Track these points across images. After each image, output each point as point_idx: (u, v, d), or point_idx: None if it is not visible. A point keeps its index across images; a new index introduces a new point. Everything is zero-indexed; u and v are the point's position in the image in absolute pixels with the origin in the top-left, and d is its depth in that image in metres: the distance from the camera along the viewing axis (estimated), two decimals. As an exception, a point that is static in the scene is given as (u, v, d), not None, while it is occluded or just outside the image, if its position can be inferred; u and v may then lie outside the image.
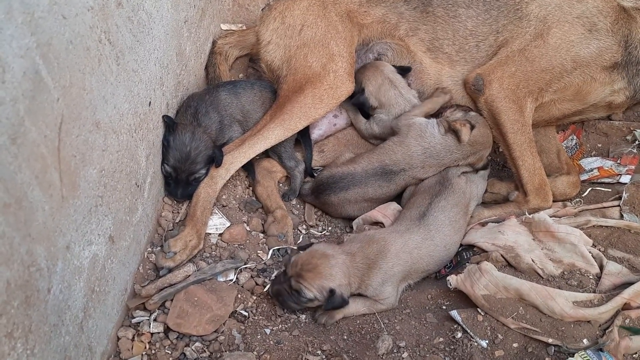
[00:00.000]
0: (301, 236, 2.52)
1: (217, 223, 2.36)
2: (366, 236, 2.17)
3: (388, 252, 2.09)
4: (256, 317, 2.09)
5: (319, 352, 1.97)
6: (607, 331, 1.87)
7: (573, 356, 1.80)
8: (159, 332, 1.99)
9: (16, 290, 1.33)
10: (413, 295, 2.21)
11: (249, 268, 2.26)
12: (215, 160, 2.35)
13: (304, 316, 2.13)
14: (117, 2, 1.75)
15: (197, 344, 1.97)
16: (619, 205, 2.38)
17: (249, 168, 2.56)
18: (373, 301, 2.10)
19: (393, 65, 2.66)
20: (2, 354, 1.29)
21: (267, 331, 2.04)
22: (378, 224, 2.45)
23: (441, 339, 1.99)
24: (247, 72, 3.07)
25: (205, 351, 1.96)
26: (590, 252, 2.10)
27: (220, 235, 2.34)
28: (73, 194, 1.57)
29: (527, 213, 2.35)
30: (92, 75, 1.61)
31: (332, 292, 1.97)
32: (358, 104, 2.65)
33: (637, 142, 2.70)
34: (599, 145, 2.79)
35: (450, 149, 2.45)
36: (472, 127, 2.44)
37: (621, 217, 2.34)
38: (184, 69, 2.50)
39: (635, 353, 1.85)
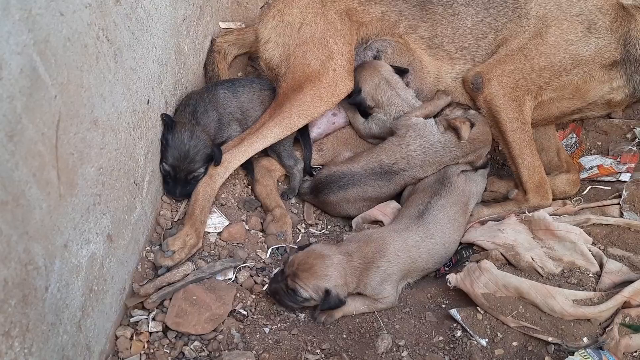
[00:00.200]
0: (300, 235, 2.52)
1: (216, 222, 2.35)
2: (364, 235, 2.17)
3: (387, 251, 2.08)
4: (255, 316, 2.09)
5: (318, 351, 1.96)
6: (607, 329, 1.86)
7: (573, 355, 1.80)
8: (157, 331, 1.98)
9: (13, 288, 1.32)
10: (412, 294, 2.20)
11: (248, 267, 2.25)
12: (214, 158, 2.34)
13: (303, 315, 2.12)
14: (115, -1, 1.74)
15: (195, 343, 1.96)
16: (618, 204, 2.38)
17: (248, 167, 2.55)
18: (372, 300, 2.09)
19: (391, 65, 2.65)
20: (0, 353, 1.28)
21: (266, 330, 2.03)
22: (377, 222, 2.44)
23: (441, 338, 1.98)
24: (246, 70, 3.06)
25: (204, 350, 1.95)
26: (590, 250, 2.10)
27: (219, 234, 2.34)
28: (71, 192, 1.56)
29: (526, 211, 2.34)
30: (89, 73, 1.61)
31: (327, 292, 1.97)
32: (355, 103, 2.64)
33: (637, 140, 2.70)
34: (599, 144, 2.78)
35: (449, 147, 2.45)
36: (472, 125, 2.44)
37: (621, 215, 2.34)
38: (182, 67, 2.49)
39: (636, 351, 1.85)
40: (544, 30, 2.45)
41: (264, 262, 2.30)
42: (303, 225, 2.58)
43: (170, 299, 2.04)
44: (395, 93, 2.61)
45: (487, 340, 1.93)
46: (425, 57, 2.67)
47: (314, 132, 2.73)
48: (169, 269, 2.10)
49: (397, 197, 2.55)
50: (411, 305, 2.15)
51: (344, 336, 2.04)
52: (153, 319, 2.01)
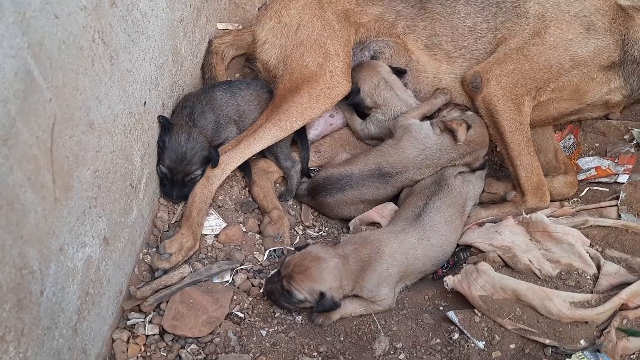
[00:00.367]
0: (298, 237, 2.51)
1: (213, 224, 2.35)
2: (361, 238, 2.16)
3: (383, 253, 2.08)
4: (252, 319, 2.08)
5: (315, 353, 1.96)
6: (604, 332, 1.86)
7: (570, 357, 1.80)
8: (154, 334, 1.98)
9: (8, 293, 1.31)
10: (410, 296, 2.20)
11: (245, 269, 2.25)
12: (211, 160, 2.34)
13: (300, 317, 2.12)
14: (111, 1, 1.73)
15: (192, 346, 1.96)
16: (616, 205, 2.37)
17: (245, 168, 2.55)
18: (370, 302, 2.09)
19: (389, 66, 2.64)
20: (-6, 358, 1.28)
21: (263, 333, 2.02)
22: (375, 224, 2.43)
23: (438, 340, 1.98)
24: (243, 71, 3.05)
25: (200, 353, 1.95)
26: (587, 252, 2.10)
27: (216, 236, 2.33)
28: (66, 195, 1.55)
29: (524, 213, 2.34)
30: (85, 76, 1.60)
31: (322, 295, 1.97)
32: (353, 104, 2.64)
33: (634, 142, 2.69)
34: (597, 145, 2.78)
35: (446, 149, 2.44)
36: (469, 127, 2.43)
37: (619, 217, 2.33)
38: (179, 68, 2.48)
39: (633, 354, 1.84)
40: (543, 30, 2.44)
41: (261, 264, 2.30)
42: (300, 227, 2.58)
43: (167, 302, 2.03)
44: (393, 93, 2.60)
45: (484, 342, 1.92)
46: (423, 57, 2.66)
47: (312, 134, 2.73)
48: (165, 272, 2.10)
49: (395, 199, 2.54)
50: (408, 307, 2.15)
51: (341, 339, 2.04)
52: (150, 321, 2.00)
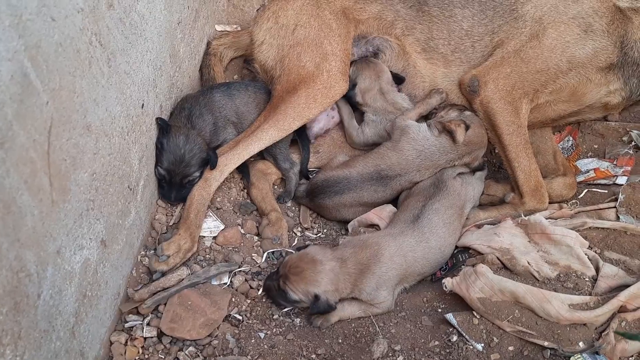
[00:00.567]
0: (296, 239, 2.51)
1: (211, 226, 2.34)
2: (359, 241, 2.16)
3: (382, 256, 2.08)
4: (250, 321, 2.08)
5: (314, 356, 1.95)
6: (603, 334, 1.86)
7: (569, 359, 1.79)
8: (152, 337, 1.97)
9: (5, 296, 1.31)
10: (408, 298, 2.19)
11: (244, 271, 2.24)
12: (209, 162, 2.33)
13: (298, 320, 2.12)
14: (108, 3, 1.73)
15: (190, 348, 1.95)
16: (615, 207, 2.37)
17: (243, 170, 2.54)
18: (368, 305, 2.08)
19: (390, 72, 2.65)
20: (-9, 362, 1.27)
21: (262, 335, 2.02)
22: (374, 226, 2.43)
23: (437, 343, 1.98)
24: (241, 73, 3.05)
25: (199, 355, 1.94)
26: (586, 254, 2.09)
27: (214, 238, 2.33)
28: (63, 198, 1.55)
29: (522, 215, 2.34)
30: (82, 78, 1.60)
31: (316, 297, 1.98)
32: (346, 96, 2.64)
33: (633, 143, 2.69)
34: (595, 147, 2.78)
35: (445, 150, 2.44)
36: (467, 127, 2.43)
37: (617, 218, 2.33)
38: (177, 70, 2.48)
39: (632, 356, 1.84)
40: (541, 33, 2.44)
41: (259, 266, 2.29)
42: (299, 228, 2.57)
43: (165, 304, 2.03)
44: (384, 100, 2.61)
45: (483, 344, 1.92)
46: (420, 62, 2.66)
47: (315, 128, 2.71)
48: (163, 274, 2.09)
49: (394, 200, 2.54)
50: (407, 309, 2.14)
51: (340, 341, 2.03)
52: (148, 324, 2.00)
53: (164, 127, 2.27)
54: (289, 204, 2.65)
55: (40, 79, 1.39)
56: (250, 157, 2.47)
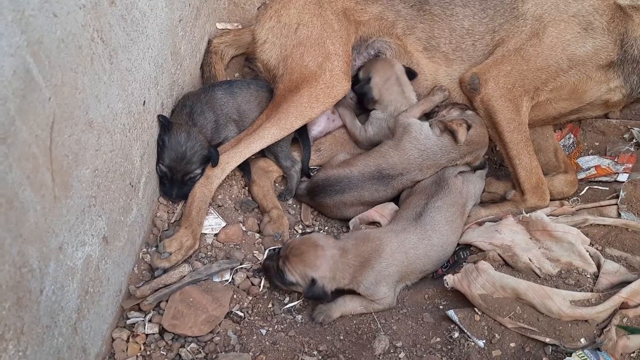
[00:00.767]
0: (297, 236, 2.51)
1: (212, 223, 2.35)
2: (362, 234, 2.17)
3: (383, 252, 2.08)
4: (252, 318, 2.08)
5: (315, 352, 1.96)
6: (604, 330, 1.86)
7: (570, 356, 1.79)
8: (154, 333, 1.98)
9: (7, 291, 1.31)
10: (410, 295, 2.20)
11: (245, 268, 2.24)
12: (211, 160, 2.34)
13: (300, 316, 2.12)
14: (110, 0, 1.73)
15: (192, 344, 1.96)
16: (616, 204, 2.37)
17: (244, 168, 2.55)
18: (369, 301, 2.09)
19: (403, 66, 2.65)
20: (-7, 356, 1.28)
21: (263, 332, 2.02)
22: (375, 223, 2.43)
23: (438, 339, 1.98)
24: (243, 71, 3.05)
25: (200, 352, 1.95)
26: (587, 250, 2.10)
27: (215, 235, 2.33)
28: (65, 194, 1.55)
29: (524, 212, 2.34)
30: (84, 74, 1.60)
31: (313, 281, 2.00)
32: (361, 92, 2.64)
33: (634, 141, 2.69)
34: (596, 144, 2.78)
35: (446, 149, 2.44)
36: (469, 127, 2.43)
37: (618, 215, 2.33)
38: (179, 68, 2.48)
39: (633, 352, 1.84)
40: (541, 31, 2.44)
41: (260, 263, 2.29)
42: (300, 226, 2.57)
43: (167, 301, 2.03)
44: (401, 90, 2.61)
45: (484, 341, 1.92)
46: (422, 60, 2.67)
47: (315, 130, 2.72)
48: (165, 271, 2.10)
49: (395, 199, 2.54)
50: (408, 306, 2.15)
51: (341, 337, 2.03)
52: (149, 320, 2.00)
53: (165, 124, 2.27)
54: (290, 202, 2.65)
55: (42, 75, 1.39)
56: (252, 155, 2.47)
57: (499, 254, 2.12)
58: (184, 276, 2.09)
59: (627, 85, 2.50)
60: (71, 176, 1.57)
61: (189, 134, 2.29)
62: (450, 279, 2.05)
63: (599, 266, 2.06)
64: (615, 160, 2.61)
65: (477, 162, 2.51)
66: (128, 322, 2.00)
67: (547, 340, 1.87)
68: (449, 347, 1.95)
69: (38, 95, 1.38)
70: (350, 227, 2.49)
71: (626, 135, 2.73)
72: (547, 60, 2.42)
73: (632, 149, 2.65)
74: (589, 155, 2.74)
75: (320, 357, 1.95)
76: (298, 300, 2.18)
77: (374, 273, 2.05)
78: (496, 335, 1.92)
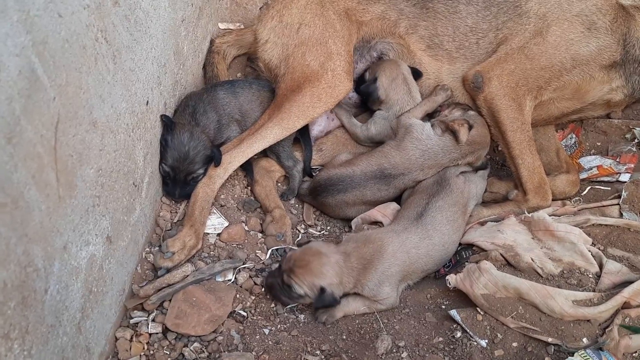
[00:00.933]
0: (300, 235, 2.52)
1: (215, 223, 2.35)
2: (363, 236, 2.17)
3: (385, 252, 2.09)
4: (255, 317, 2.08)
5: (318, 352, 1.96)
6: (607, 330, 1.87)
7: (573, 355, 1.80)
8: (157, 333, 1.98)
9: (13, 291, 1.32)
10: (412, 295, 2.20)
11: (248, 268, 2.25)
12: (214, 159, 2.34)
13: (302, 316, 2.12)
14: (113, 0, 1.73)
15: (195, 344, 1.96)
16: (618, 204, 2.38)
17: (247, 167, 2.55)
18: (372, 301, 2.09)
19: (408, 66, 2.66)
20: (-1, 356, 1.28)
21: (266, 331, 2.03)
22: (377, 223, 2.44)
23: (440, 339, 1.98)
24: (245, 71, 3.06)
25: (203, 351, 1.95)
26: (589, 250, 2.10)
27: (218, 235, 2.33)
28: (70, 193, 1.56)
29: (526, 212, 2.35)
30: (88, 74, 1.60)
31: (322, 290, 1.98)
32: (366, 92, 2.65)
33: (636, 141, 2.70)
34: (598, 144, 2.79)
35: (448, 149, 2.45)
36: (470, 127, 2.44)
37: (620, 215, 2.34)
38: (181, 68, 2.48)
39: (636, 352, 1.85)
40: (545, 30, 2.45)
41: (263, 263, 2.30)
42: (302, 226, 2.58)
43: (170, 300, 2.03)
44: (407, 90, 2.61)
45: (487, 341, 1.93)
46: (425, 58, 2.67)
47: (315, 130, 2.73)
48: (168, 270, 2.10)
49: (397, 199, 2.54)
50: (411, 306, 2.15)
51: (344, 337, 2.04)
52: (153, 320, 2.01)
53: (168, 124, 2.28)
54: (292, 202, 2.66)
55: (47, 75, 1.39)
56: (254, 155, 2.47)
57: (501, 254, 2.12)
58: (187, 276, 2.10)
59: (629, 85, 2.51)
60: (75, 176, 1.58)
61: (191, 134, 2.30)
62: (452, 279, 2.05)
63: (601, 266, 2.06)
64: (617, 160, 2.62)
65: (478, 162, 2.52)
66: (131, 321, 2.00)
67: (550, 340, 1.87)
68: (452, 346, 1.95)
69: (43, 95, 1.39)
70: (353, 227, 2.49)
71: (628, 135, 2.74)
72: (551, 60, 2.43)
73: (634, 149, 2.66)
74: (590, 155, 2.74)
75: (323, 357, 1.95)
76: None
77: (378, 274, 2.06)
78: (498, 335, 1.93)
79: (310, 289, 2.00)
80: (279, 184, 2.71)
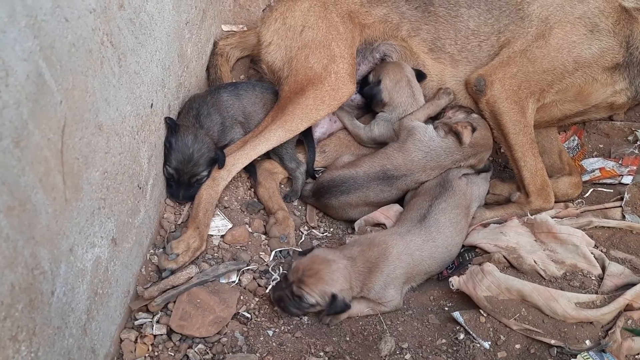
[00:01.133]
0: (303, 237, 2.52)
1: (219, 224, 2.36)
2: (367, 239, 2.17)
3: (389, 255, 2.09)
4: (259, 319, 2.09)
5: (322, 353, 1.97)
6: (609, 332, 1.87)
7: (575, 357, 1.81)
8: (161, 334, 1.99)
9: (20, 293, 1.33)
10: (415, 297, 2.21)
11: (251, 270, 2.26)
12: (217, 161, 2.35)
13: (306, 318, 2.13)
14: (119, 4, 1.74)
15: (200, 345, 1.97)
16: (620, 206, 2.38)
17: (250, 169, 2.56)
18: (377, 303, 2.10)
19: (412, 68, 2.67)
20: (7, 357, 1.29)
21: (270, 333, 2.04)
22: (380, 225, 2.45)
23: (444, 341, 1.99)
24: (248, 73, 3.07)
25: (208, 353, 1.96)
26: (592, 253, 2.11)
27: (222, 236, 2.34)
28: (76, 196, 1.57)
29: (529, 214, 2.35)
30: (94, 78, 1.61)
31: (334, 297, 1.97)
32: (370, 94, 2.66)
33: (638, 143, 2.70)
34: (601, 146, 2.79)
35: (450, 151, 2.46)
36: (474, 130, 2.44)
37: (623, 218, 2.34)
38: (185, 70, 2.50)
39: (638, 354, 1.85)
40: (547, 33, 2.45)
41: (267, 264, 2.31)
42: (305, 227, 2.59)
43: (174, 302, 2.04)
44: (411, 92, 2.62)
45: (490, 342, 1.93)
46: (428, 61, 2.68)
47: (318, 132, 2.74)
48: (172, 272, 2.11)
49: (400, 200, 2.55)
50: (414, 307, 2.16)
51: (347, 339, 2.05)
52: (157, 321, 2.02)
53: (172, 126, 2.29)
54: (295, 203, 2.66)
55: (54, 79, 1.40)
56: (257, 157, 2.48)
57: (504, 256, 2.13)
58: (191, 277, 2.11)
59: (632, 87, 2.51)
60: (81, 179, 1.59)
61: (196, 136, 2.31)
62: (455, 281, 2.06)
63: (603, 268, 2.07)
64: (620, 162, 2.63)
65: (481, 165, 2.53)
66: (136, 323, 2.01)
67: (552, 342, 1.88)
68: (455, 348, 1.96)
69: (50, 99, 1.39)
70: (356, 229, 2.50)
71: (630, 138, 2.75)
72: (553, 62, 2.43)
73: (636, 151, 2.67)
74: (593, 157, 2.75)
75: (326, 358, 1.96)
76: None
77: (383, 277, 2.06)
78: (501, 336, 1.94)
79: (321, 297, 1.98)
80: (282, 186, 2.72)
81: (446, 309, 2.12)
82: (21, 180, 1.31)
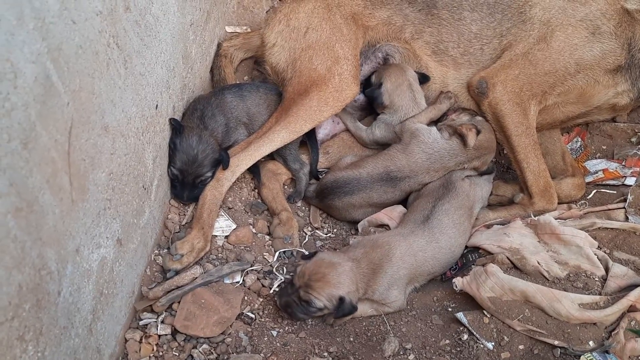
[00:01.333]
0: (307, 237, 2.53)
1: (223, 225, 2.37)
2: (370, 241, 2.17)
3: (393, 256, 2.10)
4: (263, 319, 2.10)
5: (326, 354, 1.98)
6: (613, 333, 1.88)
7: (579, 358, 1.81)
8: (166, 334, 2.00)
9: (27, 293, 1.34)
10: (419, 297, 2.21)
11: (256, 270, 2.27)
12: (222, 162, 2.36)
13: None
14: (125, 6, 1.76)
15: (204, 345, 1.98)
16: (624, 208, 2.39)
17: (254, 170, 2.57)
18: (380, 304, 2.10)
19: (415, 71, 2.67)
20: (14, 357, 1.30)
21: (274, 333, 2.04)
22: (384, 226, 2.45)
23: (447, 341, 2.00)
24: (252, 74, 3.08)
25: (212, 353, 1.97)
26: (595, 254, 2.11)
27: (226, 237, 2.35)
28: (82, 197, 1.58)
29: (532, 215, 2.36)
30: (100, 80, 1.62)
31: (341, 300, 1.97)
32: (371, 96, 2.67)
33: (641, 144, 2.71)
34: (604, 147, 2.80)
35: (454, 153, 2.46)
36: (478, 132, 2.45)
37: (626, 219, 2.35)
38: (189, 71, 2.51)
39: (641, 355, 1.86)
40: (549, 35, 2.46)
41: (271, 265, 2.32)
42: (309, 228, 2.60)
43: (179, 302, 2.05)
44: (412, 96, 2.63)
45: (493, 343, 1.94)
46: (431, 64, 2.68)
47: (321, 133, 2.75)
48: (177, 273, 2.12)
49: (403, 201, 2.56)
50: (417, 308, 2.16)
51: (351, 339, 2.05)
52: (162, 322, 2.03)
53: (177, 127, 2.30)
54: (299, 204, 2.67)
55: (61, 81, 1.41)
56: (261, 158, 2.49)
57: (507, 257, 2.14)
58: (196, 278, 2.12)
59: (635, 89, 2.51)
60: (88, 180, 1.60)
61: (200, 137, 2.32)
62: (459, 282, 2.07)
63: (607, 269, 2.07)
64: (623, 163, 2.63)
65: (484, 167, 2.53)
66: (141, 323, 2.02)
67: (556, 342, 1.89)
68: (458, 349, 1.97)
69: (57, 100, 1.41)
70: (359, 230, 2.51)
71: (634, 139, 2.75)
72: (555, 65, 2.44)
73: (639, 152, 2.67)
74: (596, 158, 2.75)
75: (330, 359, 1.97)
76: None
77: (387, 278, 2.07)
78: (505, 337, 1.94)
79: (329, 301, 1.98)
80: (286, 187, 2.73)
81: (450, 309, 2.13)
82: (29, 182, 1.32)
